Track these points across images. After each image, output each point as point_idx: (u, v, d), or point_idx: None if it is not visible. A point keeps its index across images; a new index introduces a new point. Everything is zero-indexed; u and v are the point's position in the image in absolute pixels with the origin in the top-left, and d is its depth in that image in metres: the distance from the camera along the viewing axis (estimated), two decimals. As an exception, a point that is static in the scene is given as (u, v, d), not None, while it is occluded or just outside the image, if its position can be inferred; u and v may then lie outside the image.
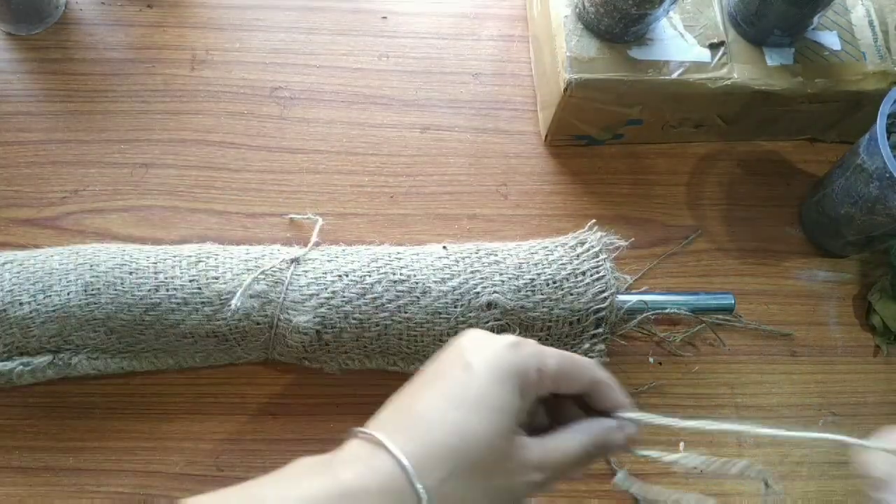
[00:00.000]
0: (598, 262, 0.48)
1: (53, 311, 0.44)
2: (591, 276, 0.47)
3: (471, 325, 0.45)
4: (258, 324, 0.45)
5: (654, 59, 0.54)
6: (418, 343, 0.46)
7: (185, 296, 0.45)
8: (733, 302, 0.51)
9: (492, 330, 0.45)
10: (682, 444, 0.52)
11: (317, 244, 0.49)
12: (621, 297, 0.48)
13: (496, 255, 0.48)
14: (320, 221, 0.52)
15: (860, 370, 0.55)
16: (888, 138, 0.49)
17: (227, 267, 0.46)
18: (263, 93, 0.60)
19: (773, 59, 0.55)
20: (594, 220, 0.51)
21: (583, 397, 0.36)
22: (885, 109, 0.49)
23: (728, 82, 0.54)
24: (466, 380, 0.32)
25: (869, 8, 0.57)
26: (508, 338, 0.34)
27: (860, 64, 0.55)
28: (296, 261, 0.47)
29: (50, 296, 0.44)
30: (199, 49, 0.61)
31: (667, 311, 0.50)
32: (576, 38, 0.54)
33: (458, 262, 0.47)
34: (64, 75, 0.59)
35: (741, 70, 0.54)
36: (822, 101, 0.56)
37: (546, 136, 0.60)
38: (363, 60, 0.62)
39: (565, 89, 0.53)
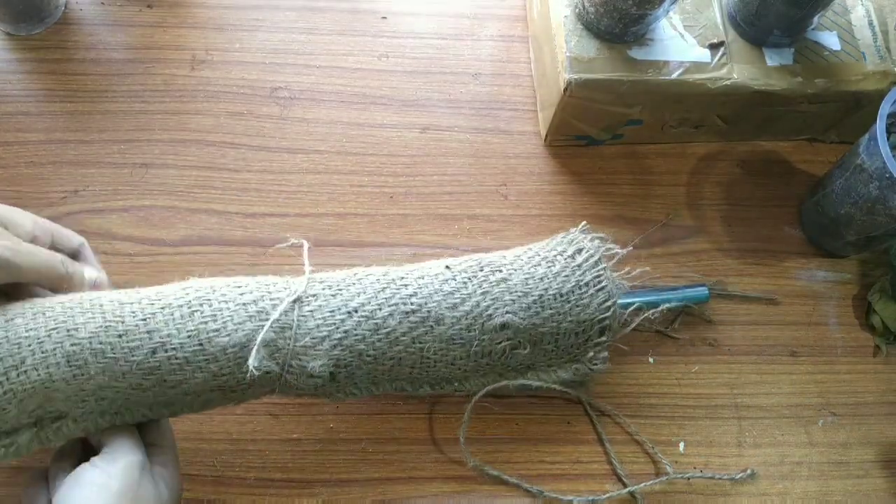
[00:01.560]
0: (598, 271, 0.48)
1: (32, 387, 0.38)
2: (594, 286, 0.47)
3: (483, 347, 0.45)
4: (268, 373, 0.42)
5: (653, 59, 0.54)
6: (430, 369, 0.46)
7: (185, 355, 0.40)
8: (707, 292, 0.54)
9: (504, 350, 0.46)
10: (681, 444, 0.52)
11: (312, 273, 0.45)
12: (620, 302, 0.49)
13: (501, 272, 0.47)
14: (306, 245, 0.47)
15: (860, 370, 0.55)
16: (888, 138, 0.49)
17: (227, 316, 0.42)
18: (263, 93, 0.60)
19: (772, 60, 0.55)
20: (585, 222, 0.51)
21: None
22: (884, 110, 0.49)
23: (728, 82, 0.54)
24: None
25: (868, 8, 0.57)
26: None
27: (860, 64, 0.55)
28: (299, 300, 0.43)
29: (25, 371, 0.38)
30: (199, 49, 0.61)
31: (660, 307, 0.52)
32: (576, 39, 0.54)
33: (465, 283, 0.46)
34: (64, 75, 0.59)
35: (741, 70, 0.54)
36: (822, 102, 0.56)
37: (546, 137, 0.60)
38: (363, 60, 0.62)
39: (565, 89, 0.53)
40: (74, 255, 0.44)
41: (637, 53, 0.54)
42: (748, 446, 0.52)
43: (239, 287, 0.44)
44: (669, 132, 0.60)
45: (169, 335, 0.40)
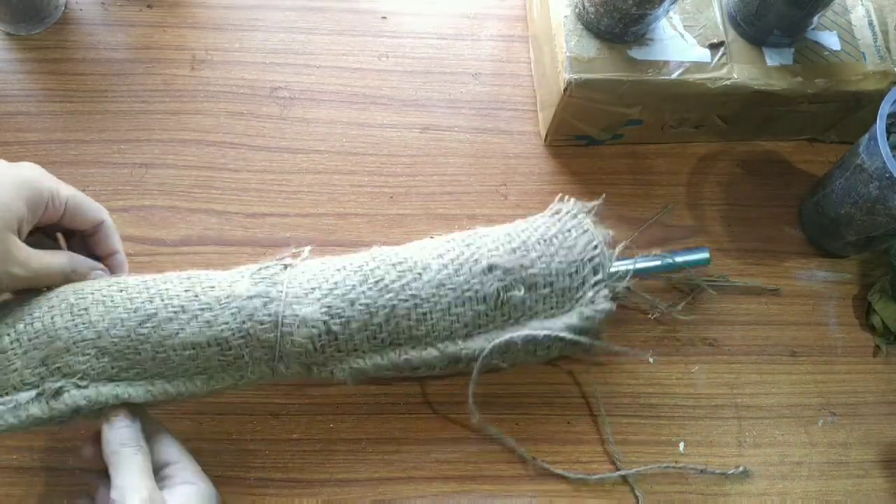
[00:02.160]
0: (580, 219, 0.49)
1: (36, 336, 0.41)
2: (577, 231, 0.48)
3: (476, 292, 0.46)
4: (262, 323, 0.43)
5: (653, 59, 0.54)
6: (427, 321, 0.46)
7: (181, 304, 0.43)
8: (708, 255, 0.54)
9: (497, 292, 0.46)
10: (681, 444, 0.52)
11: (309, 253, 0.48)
12: (615, 263, 0.49)
13: (484, 232, 0.49)
14: (308, 248, 0.49)
15: (860, 370, 0.55)
16: (888, 138, 0.49)
17: (222, 277, 0.45)
18: (263, 93, 0.60)
19: (772, 60, 0.55)
20: (562, 193, 0.50)
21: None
22: (884, 110, 0.49)
23: (728, 82, 0.54)
24: None
25: (868, 8, 0.57)
26: (39, 168, 0.43)
27: (860, 64, 0.55)
28: (290, 265, 0.46)
29: (32, 322, 0.41)
30: (199, 49, 0.61)
31: (654, 269, 0.52)
32: (575, 38, 0.54)
33: (448, 241, 0.48)
34: (64, 75, 0.59)
35: (741, 70, 0.54)
36: (822, 102, 0.56)
37: (546, 136, 0.60)
38: (363, 60, 0.62)
39: (565, 89, 0.53)
40: (93, 231, 0.46)
41: (637, 53, 0.54)
42: (748, 446, 0.52)
43: (235, 269, 0.46)
44: (669, 132, 0.60)
45: (166, 288, 0.43)
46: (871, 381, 0.55)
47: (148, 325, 0.42)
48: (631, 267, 0.50)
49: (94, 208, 0.45)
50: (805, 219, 0.59)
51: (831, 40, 0.56)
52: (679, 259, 0.53)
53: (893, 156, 0.48)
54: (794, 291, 0.57)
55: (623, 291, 0.50)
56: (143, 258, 0.54)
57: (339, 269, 0.46)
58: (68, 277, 0.44)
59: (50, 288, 0.44)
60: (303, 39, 0.62)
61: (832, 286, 0.58)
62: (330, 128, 0.59)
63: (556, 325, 0.47)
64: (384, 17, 0.64)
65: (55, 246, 0.47)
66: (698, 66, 0.54)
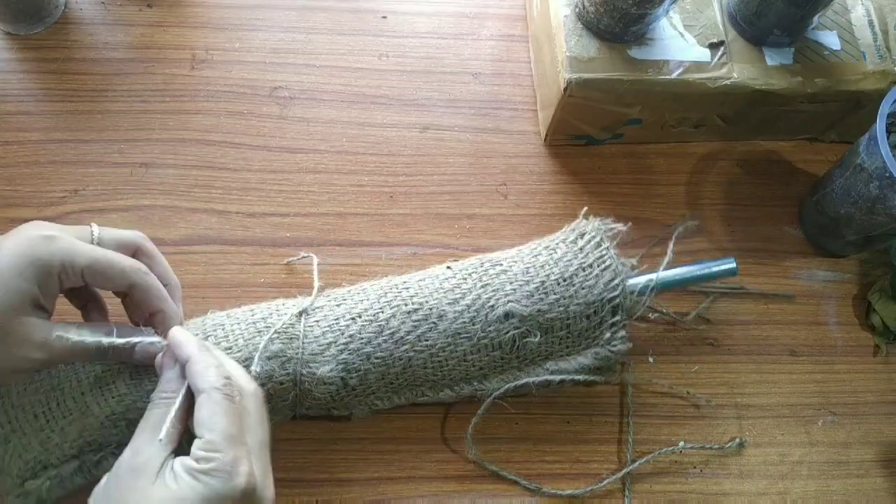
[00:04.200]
0: (601, 251, 0.47)
1: (70, 412, 0.41)
2: (599, 266, 0.47)
3: (492, 339, 0.45)
4: (282, 384, 0.44)
5: (653, 58, 0.54)
6: (444, 368, 0.46)
7: None
8: (735, 265, 0.50)
9: (513, 339, 0.45)
10: (681, 444, 0.52)
11: (321, 289, 0.47)
12: (631, 281, 0.48)
13: (501, 265, 0.47)
14: (316, 260, 0.50)
15: (860, 370, 0.55)
16: (888, 138, 0.49)
17: (238, 334, 0.44)
18: (263, 92, 0.60)
19: (772, 59, 0.55)
20: (586, 208, 0.51)
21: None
22: (884, 109, 0.49)
23: (728, 82, 0.54)
24: None
25: (868, 8, 0.57)
26: (48, 229, 0.38)
27: (860, 64, 0.55)
28: (304, 312, 0.45)
29: (64, 400, 0.41)
30: (199, 49, 0.61)
31: (677, 283, 0.50)
32: (575, 38, 0.54)
33: (465, 279, 0.47)
34: (64, 75, 0.59)
35: (741, 70, 0.54)
36: (822, 101, 0.56)
37: (546, 136, 0.60)
38: (363, 60, 0.62)
39: (565, 89, 0.53)
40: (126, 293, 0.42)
41: (637, 53, 0.54)
42: (748, 445, 0.52)
43: (252, 310, 0.46)
44: (669, 132, 0.60)
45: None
46: (871, 380, 0.55)
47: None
48: (652, 283, 0.48)
49: (119, 272, 0.40)
50: (805, 218, 0.59)
51: (831, 40, 0.56)
52: (705, 271, 0.50)
53: (893, 155, 0.48)
54: (794, 291, 0.57)
55: (644, 310, 0.49)
56: (143, 258, 0.54)
57: (353, 319, 0.45)
58: (104, 353, 0.40)
59: None
60: (303, 39, 0.62)
61: (832, 286, 0.58)
62: (330, 127, 0.59)
63: (570, 367, 0.47)
64: (384, 17, 0.64)
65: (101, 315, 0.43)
66: (698, 65, 0.54)
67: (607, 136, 0.60)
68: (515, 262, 0.48)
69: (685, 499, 0.50)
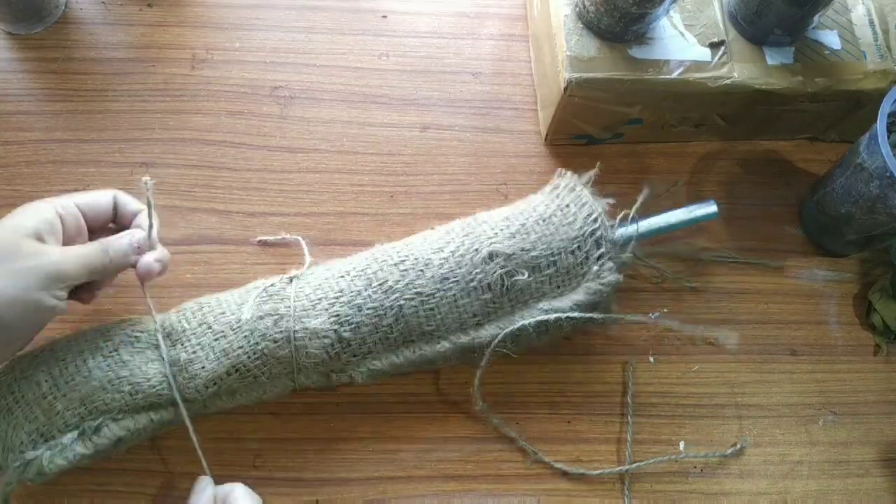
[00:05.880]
0: (577, 192, 0.49)
1: (71, 377, 0.43)
2: (576, 205, 0.48)
3: (479, 281, 0.46)
4: (276, 341, 0.44)
5: (654, 58, 0.54)
6: (436, 316, 0.46)
7: (199, 342, 0.45)
8: (716, 209, 0.51)
9: (501, 279, 0.46)
10: (682, 444, 0.52)
11: (313, 263, 0.49)
12: (616, 232, 0.49)
13: (483, 219, 0.49)
14: (303, 240, 0.52)
15: (860, 369, 0.55)
16: (888, 137, 0.49)
17: (231, 300, 0.46)
18: (263, 92, 0.60)
19: (773, 59, 0.55)
20: (561, 169, 0.51)
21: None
22: (885, 108, 0.49)
23: (728, 81, 0.54)
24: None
25: (869, 7, 0.57)
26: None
27: (860, 63, 0.55)
28: (295, 277, 0.47)
29: (65, 366, 0.43)
30: (200, 48, 0.61)
31: (660, 229, 0.50)
32: (576, 38, 0.54)
33: (448, 232, 0.48)
34: (64, 74, 0.59)
35: (741, 69, 0.54)
36: (822, 101, 0.56)
37: (546, 136, 0.60)
38: (363, 59, 0.62)
39: (565, 88, 0.53)
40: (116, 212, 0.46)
41: (637, 52, 0.54)
42: (748, 445, 0.52)
43: (245, 287, 0.48)
44: (670, 131, 0.59)
45: (182, 328, 0.45)
46: (871, 380, 0.55)
47: (172, 368, 0.44)
48: (634, 231, 0.49)
49: (100, 193, 0.46)
50: (805, 218, 0.59)
51: (832, 39, 0.56)
52: (687, 216, 0.50)
53: (894, 155, 0.48)
54: (795, 290, 0.57)
55: (629, 258, 0.49)
56: (143, 257, 0.54)
57: (342, 276, 0.46)
58: (109, 259, 0.43)
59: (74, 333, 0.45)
60: (303, 38, 0.62)
61: (832, 285, 0.58)
62: (330, 127, 0.59)
63: (564, 305, 0.47)
64: (384, 16, 0.64)
65: None
66: (698, 65, 0.54)
67: (607, 136, 0.60)
68: (493, 214, 0.49)
69: (685, 498, 0.50)
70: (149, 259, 0.45)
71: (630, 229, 0.49)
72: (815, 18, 0.54)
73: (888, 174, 0.48)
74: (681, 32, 0.55)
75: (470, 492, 0.50)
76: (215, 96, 0.59)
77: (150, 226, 0.45)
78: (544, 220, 0.48)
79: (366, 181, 0.58)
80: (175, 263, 0.54)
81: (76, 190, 0.55)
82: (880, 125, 0.48)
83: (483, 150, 0.60)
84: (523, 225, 0.47)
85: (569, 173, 0.50)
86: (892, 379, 0.55)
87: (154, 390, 0.44)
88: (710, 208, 0.50)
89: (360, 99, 0.61)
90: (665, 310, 0.55)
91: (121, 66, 0.60)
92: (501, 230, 0.47)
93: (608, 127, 0.58)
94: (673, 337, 0.55)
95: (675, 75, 0.53)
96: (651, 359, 0.54)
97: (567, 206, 0.48)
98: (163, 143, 0.58)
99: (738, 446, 0.52)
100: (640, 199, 0.50)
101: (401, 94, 0.61)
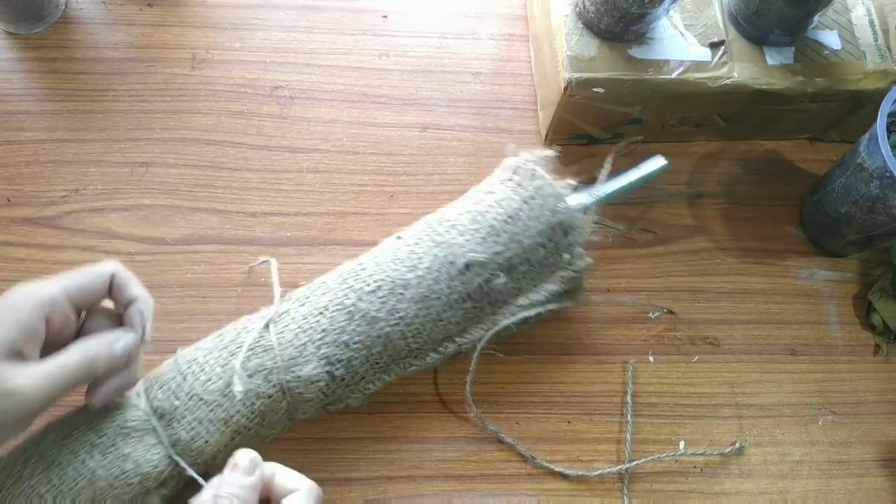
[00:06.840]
0: (538, 182, 0.48)
1: (74, 482, 0.41)
2: (540, 196, 0.48)
3: (459, 293, 0.46)
4: (271, 396, 0.44)
5: (654, 58, 0.54)
6: (422, 334, 0.46)
7: (196, 417, 0.43)
8: (666, 163, 0.51)
9: (480, 287, 0.46)
10: (682, 444, 0.52)
11: (284, 293, 0.47)
12: (574, 203, 0.49)
13: (449, 220, 0.48)
14: (275, 263, 0.49)
15: (860, 369, 0.55)
16: (888, 137, 0.49)
17: (212, 364, 0.44)
18: (264, 92, 0.60)
19: (773, 59, 0.55)
20: (511, 145, 0.51)
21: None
22: (885, 108, 0.49)
23: (728, 81, 0.54)
24: None
25: (869, 7, 0.57)
26: (20, 287, 0.37)
27: (860, 63, 0.55)
28: (271, 321, 0.45)
29: (64, 471, 0.41)
30: (200, 48, 0.61)
31: (616, 193, 0.51)
32: (576, 37, 0.54)
33: (417, 243, 0.47)
34: (64, 74, 0.59)
35: (741, 69, 0.54)
36: (823, 101, 0.56)
37: (546, 136, 0.60)
38: (363, 59, 0.62)
39: (565, 88, 0.53)
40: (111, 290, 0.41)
41: (637, 52, 0.54)
42: (748, 445, 0.52)
43: (220, 336, 0.45)
44: (670, 131, 0.59)
45: (174, 406, 0.43)
46: (871, 379, 0.55)
47: (175, 448, 0.43)
48: (595, 202, 0.50)
49: (96, 273, 0.40)
50: (805, 218, 0.59)
51: (832, 39, 0.56)
52: (639, 175, 0.51)
53: (894, 154, 0.48)
54: (795, 290, 0.57)
55: (593, 228, 0.50)
56: (143, 257, 0.54)
57: (321, 313, 0.45)
58: (93, 368, 0.39)
59: (62, 423, 0.42)
60: (303, 38, 0.62)
61: (832, 285, 0.58)
62: (330, 127, 0.59)
63: (541, 297, 0.48)
64: (384, 16, 0.64)
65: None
66: (698, 65, 0.54)
67: (608, 136, 0.60)
68: (461, 214, 0.48)
69: (685, 498, 0.50)
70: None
71: (590, 201, 0.50)
72: (815, 18, 0.54)
73: (888, 174, 0.48)
74: (681, 32, 0.55)
75: (470, 492, 0.50)
76: (215, 96, 0.59)
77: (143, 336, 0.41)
78: (512, 219, 0.47)
79: (366, 181, 0.58)
80: (174, 263, 0.54)
81: (76, 190, 0.55)
82: (880, 125, 0.48)
83: (483, 150, 0.60)
84: (492, 227, 0.47)
85: (524, 155, 0.50)
86: (892, 379, 0.55)
87: (164, 474, 0.42)
88: (660, 162, 0.51)
89: (360, 99, 0.61)
90: (665, 310, 0.55)
91: (121, 66, 0.60)
92: (472, 235, 0.47)
93: (608, 127, 0.58)
94: (673, 337, 0.55)
95: (675, 75, 0.53)
96: (651, 359, 0.54)
97: (532, 197, 0.48)
98: (163, 143, 0.58)
99: (738, 445, 0.52)
100: (606, 167, 0.52)
101: (401, 94, 0.61)
